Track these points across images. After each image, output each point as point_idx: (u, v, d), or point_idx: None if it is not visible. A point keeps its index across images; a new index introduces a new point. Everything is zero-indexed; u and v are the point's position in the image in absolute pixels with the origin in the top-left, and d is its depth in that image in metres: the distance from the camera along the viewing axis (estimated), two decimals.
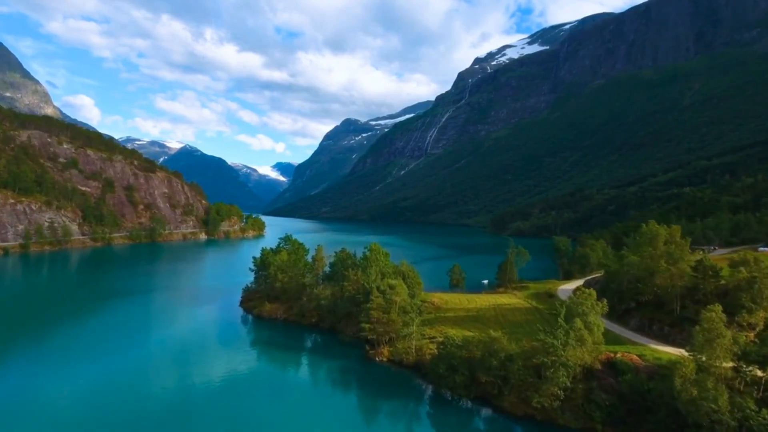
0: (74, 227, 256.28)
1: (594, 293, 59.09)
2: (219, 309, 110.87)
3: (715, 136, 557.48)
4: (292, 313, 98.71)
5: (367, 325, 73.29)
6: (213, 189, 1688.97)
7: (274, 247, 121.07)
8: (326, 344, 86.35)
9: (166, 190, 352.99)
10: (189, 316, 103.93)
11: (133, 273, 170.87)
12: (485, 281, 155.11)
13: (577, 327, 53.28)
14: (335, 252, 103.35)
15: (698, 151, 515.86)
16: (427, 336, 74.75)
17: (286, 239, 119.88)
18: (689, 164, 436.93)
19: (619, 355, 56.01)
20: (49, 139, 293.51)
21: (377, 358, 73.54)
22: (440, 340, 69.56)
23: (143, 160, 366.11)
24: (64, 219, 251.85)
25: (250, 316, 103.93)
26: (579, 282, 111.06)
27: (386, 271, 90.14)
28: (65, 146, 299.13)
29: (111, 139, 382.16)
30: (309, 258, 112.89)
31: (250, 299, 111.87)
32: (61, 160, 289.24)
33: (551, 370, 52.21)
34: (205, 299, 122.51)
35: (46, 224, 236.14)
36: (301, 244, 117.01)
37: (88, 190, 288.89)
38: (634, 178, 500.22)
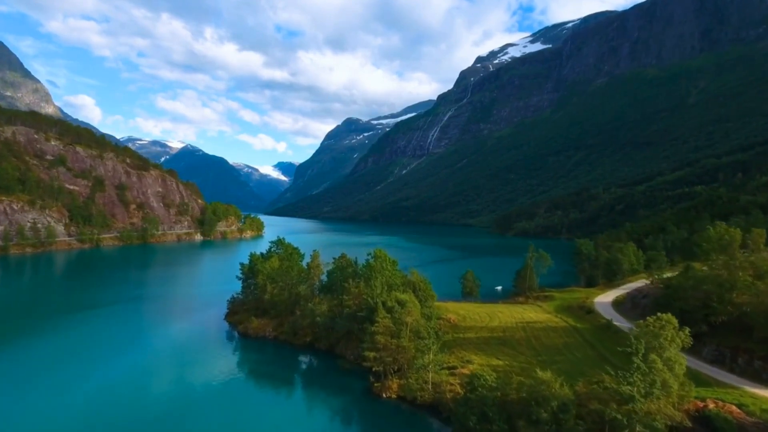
0: (60, 228, 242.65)
1: (674, 320, 45.34)
2: (201, 323, 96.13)
3: (723, 134, 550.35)
4: (282, 330, 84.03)
5: (371, 354, 58.80)
6: (214, 189, 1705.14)
7: (266, 250, 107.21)
8: (323, 372, 71.82)
9: (160, 189, 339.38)
10: (165, 333, 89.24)
11: (114, 279, 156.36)
12: (498, 287, 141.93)
13: (658, 368, 39.53)
14: (333, 258, 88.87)
15: (705, 150, 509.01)
16: (446, 365, 60.60)
17: (278, 243, 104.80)
18: (698, 162, 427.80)
19: (711, 404, 42.25)
20: (35, 136, 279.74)
21: (384, 394, 58.77)
22: (463, 371, 56.04)
23: (136, 157, 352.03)
24: (49, 219, 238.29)
25: (235, 333, 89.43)
26: (616, 292, 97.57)
27: (393, 283, 75.65)
28: (53, 143, 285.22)
29: (103, 136, 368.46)
30: (305, 264, 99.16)
31: (236, 312, 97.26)
32: (49, 157, 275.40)
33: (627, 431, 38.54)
34: (187, 311, 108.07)
35: (29, 225, 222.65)
36: (295, 248, 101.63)
37: (77, 188, 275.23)
38: (640, 177, 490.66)
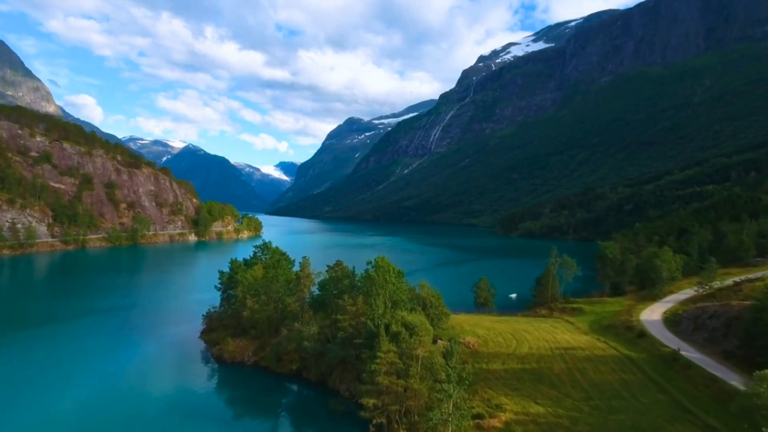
0: (42, 228, 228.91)
1: None
2: (173, 342, 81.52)
3: (730, 133, 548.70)
4: (264, 354, 69.33)
5: (370, 401, 44.31)
6: (216, 188, 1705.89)
7: (250, 255, 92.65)
8: (310, 412, 56.58)
9: (152, 188, 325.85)
10: (126, 354, 74.22)
11: (88, 285, 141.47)
12: (513, 295, 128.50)
13: None
14: (327, 266, 74.33)
15: (713, 149, 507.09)
16: (469, 409, 45.94)
17: (264, 247, 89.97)
18: (707, 162, 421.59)
19: None
20: (19, 131, 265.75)
21: None
22: (492, 424, 42.19)
23: (127, 154, 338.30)
24: (30, 219, 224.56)
25: (210, 355, 74.98)
26: (661, 306, 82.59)
27: (399, 298, 61.51)
28: (38, 139, 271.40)
29: (94, 132, 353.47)
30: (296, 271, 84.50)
31: (212, 329, 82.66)
32: (33, 154, 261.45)
33: None
34: (160, 325, 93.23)
35: (7, 225, 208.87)
36: (284, 254, 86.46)
37: (62, 187, 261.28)
38: (647, 176, 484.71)
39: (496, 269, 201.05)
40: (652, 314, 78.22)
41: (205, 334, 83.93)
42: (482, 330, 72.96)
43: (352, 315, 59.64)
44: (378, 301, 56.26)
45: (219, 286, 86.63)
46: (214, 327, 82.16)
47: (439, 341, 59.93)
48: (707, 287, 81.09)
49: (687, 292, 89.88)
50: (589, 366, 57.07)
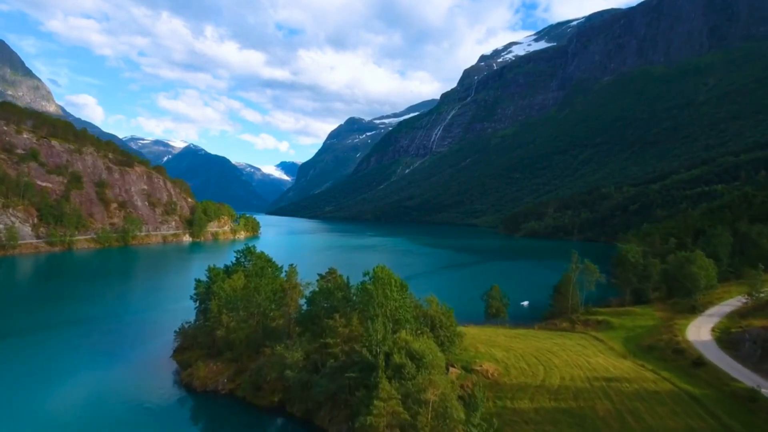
0: (26, 229, 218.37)
1: None
2: (142, 361, 70.41)
3: (735, 131, 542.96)
4: (241, 381, 57.82)
5: None
6: (217, 188, 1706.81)
7: (232, 261, 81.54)
8: None
9: (145, 187, 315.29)
10: (86, 378, 62.56)
11: (61, 292, 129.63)
12: (525, 303, 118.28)
13: None
14: (319, 275, 63.23)
15: (718, 148, 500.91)
16: None
17: (247, 252, 77.79)
18: (713, 161, 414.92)
19: None
20: (5, 128, 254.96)
21: None
22: None
23: (119, 152, 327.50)
24: (13, 219, 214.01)
25: (181, 380, 62.81)
26: (705, 321, 70.95)
27: (402, 317, 50.62)
28: (25, 136, 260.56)
29: (85, 129, 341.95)
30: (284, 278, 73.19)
31: (185, 348, 71.31)
32: (19, 151, 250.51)
33: None
34: (133, 340, 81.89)
35: None
36: (269, 260, 74.38)
37: (50, 185, 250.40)
38: (651, 175, 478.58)
39: (503, 272, 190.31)
40: (699, 332, 65.87)
41: (177, 353, 72.34)
42: (500, 351, 60.93)
43: (345, 338, 48.71)
44: (377, 324, 45.24)
45: (194, 296, 75.30)
46: (188, 345, 70.46)
47: (451, 369, 49.38)
48: (755, 296, 70.51)
49: (730, 303, 78.87)
50: (641, 406, 45.51)
